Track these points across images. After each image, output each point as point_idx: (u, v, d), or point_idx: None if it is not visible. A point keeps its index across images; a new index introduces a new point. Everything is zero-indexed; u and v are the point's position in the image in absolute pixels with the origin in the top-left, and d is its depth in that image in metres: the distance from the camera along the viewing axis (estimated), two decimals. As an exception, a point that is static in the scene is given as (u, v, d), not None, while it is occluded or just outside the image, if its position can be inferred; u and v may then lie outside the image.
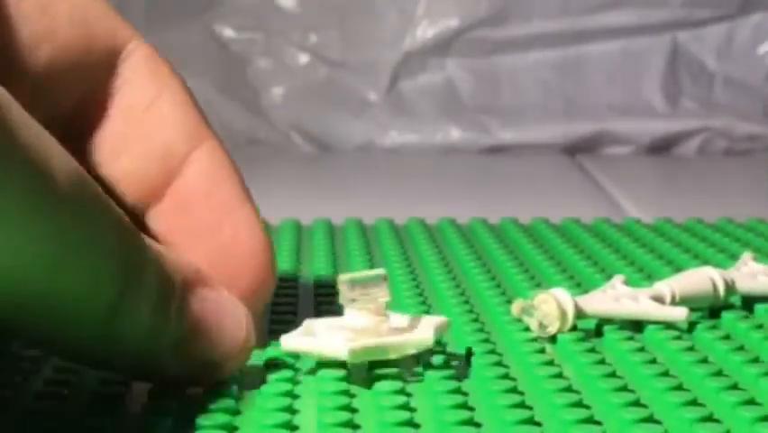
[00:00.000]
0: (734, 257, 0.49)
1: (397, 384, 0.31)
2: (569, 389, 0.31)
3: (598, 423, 0.29)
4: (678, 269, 0.46)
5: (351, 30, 1.03)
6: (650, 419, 0.29)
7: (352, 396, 0.31)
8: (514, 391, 0.31)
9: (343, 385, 0.31)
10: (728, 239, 0.55)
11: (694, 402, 0.30)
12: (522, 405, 0.30)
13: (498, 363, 0.34)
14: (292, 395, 0.31)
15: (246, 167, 1.00)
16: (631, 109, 1.01)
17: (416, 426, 0.29)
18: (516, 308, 0.38)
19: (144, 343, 0.28)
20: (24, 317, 0.25)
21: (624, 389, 0.31)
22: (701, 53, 1.02)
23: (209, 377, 0.30)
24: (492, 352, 0.35)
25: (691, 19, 1.02)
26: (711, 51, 1.02)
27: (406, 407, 0.30)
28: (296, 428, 0.29)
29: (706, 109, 1.01)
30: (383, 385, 0.31)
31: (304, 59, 1.03)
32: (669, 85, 1.02)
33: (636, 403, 0.30)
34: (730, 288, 0.41)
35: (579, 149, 1.00)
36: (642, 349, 0.35)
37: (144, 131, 0.33)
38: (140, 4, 1.02)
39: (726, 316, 0.40)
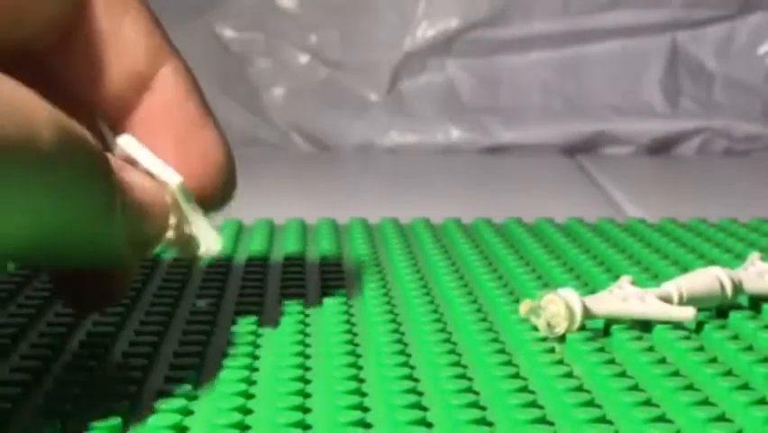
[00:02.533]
0: (739, 257, 0.50)
1: (409, 384, 0.31)
2: (580, 388, 0.31)
3: (610, 422, 0.29)
4: (684, 269, 0.47)
5: (351, 30, 1.03)
6: (662, 419, 0.29)
7: (364, 395, 0.31)
8: (525, 390, 0.31)
9: (355, 384, 0.31)
10: (733, 239, 0.55)
11: (706, 402, 0.30)
12: (533, 404, 0.30)
13: (509, 363, 0.34)
14: (304, 394, 0.31)
15: (246, 167, 1.00)
16: (631, 109, 1.01)
17: (429, 425, 0.29)
18: (523, 308, 0.38)
19: (111, 239, 0.30)
20: (24, 252, 0.28)
21: (635, 388, 0.31)
22: (701, 53, 1.03)
23: (144, 254, 0.33)
24: (502, 351, 0.35)
25: (691, 19, 1.02)
26: (711, 52, 1.02)
27: (418, 406, 0.30)
28: (309, 427, 0.29)
29: (705, 109, 1.01)
30: (395, 385, 0.31)
31: (304, 59, 1.03)
32: (669, 85, 1.02)
33: (648, 403, 0.30)
34: (738, 288, 0.41)
35: (578, 149, 1.00)
36: (651, 349, 0.35)
37: (112, 55, 0.35)
38: (140, 4, 1.02)
39: (734, 316, 0.40)
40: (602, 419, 0.29)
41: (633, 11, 1.02)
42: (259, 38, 1.03)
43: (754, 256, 0.43)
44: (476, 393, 0.31)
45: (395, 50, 1.03)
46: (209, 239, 0.34)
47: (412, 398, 0.30)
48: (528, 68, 1.03)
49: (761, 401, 0.30)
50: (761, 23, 1.02)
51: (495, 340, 0.36)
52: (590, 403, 0.30)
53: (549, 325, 0.37)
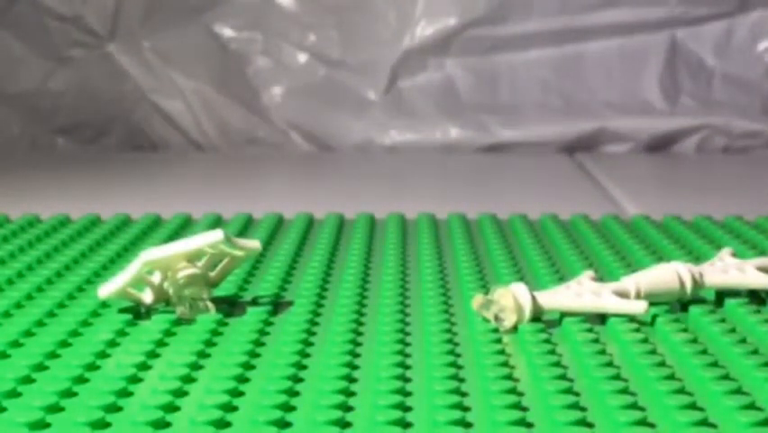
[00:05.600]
0: (740, 255, 0.50)
1: (453, 384, 0.31)
2: (625, 390, 0.31)
3: (652, 425, 0.29)
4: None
5: (350, 29, 1.03)
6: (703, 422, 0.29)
7: (407, 394, 0.31)
8: (569, 391, 0.31)
9: (399, 384, 0.31)
10: (733, 236, 0.55)
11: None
12: (576, 406, 0.30)
13: (557, 364, 0.34)
14: (347, 393, 0.31)
15: (245, 166, 1.00)
16: (630, 107, 1.02)
17: (468, 424, 0.29)
18: (476, 302, 0.39)
19: None
20: None
21: (681, 392, 0.32)
22: (700, 51, 1.03)
23: None
24: (552, 352, 0.35)
25: (690, 16, 1.02)
26: (710, 49, 1.02)
27: (459, 406, 0.30)
28: (349, 424, 0.29)
29: (704, 107, 1.01)
30: (438, 385, 0.31)
31: (303, 58, 1.03)
32: (667, 82, 1.02)
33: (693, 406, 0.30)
34: (698, 283, 0.42)
35: (578, 147, 1.01)
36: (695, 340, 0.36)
37: None
38: (140, 4, 1.02)
39: (693, 310, 0.40)
40: (643, 422, 0.29)
41: (631, 8, 1.02)
42: (258, 37, 1.03)
43: (725, 251, 0.44)
44: (520, 395, 0.31)
45: (394, 48, 1.02)
46: (252, 243, 0.42)
47: (454, 398, 0.30)
48: (527, 66, 1.03)
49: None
50: (760, 19, 1.02)
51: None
52: (634, 406, 0.30)
53: (497, 318, 0.38)
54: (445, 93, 1.03)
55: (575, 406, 0.30)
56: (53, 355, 0.35)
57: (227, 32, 1.03)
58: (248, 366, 0.34)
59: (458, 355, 0.35)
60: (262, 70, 1.03)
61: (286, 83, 1.03)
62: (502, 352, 0.35)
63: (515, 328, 0.38)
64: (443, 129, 1.02)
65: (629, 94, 1.02)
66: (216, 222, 0.60)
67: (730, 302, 0.41)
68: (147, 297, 0.41)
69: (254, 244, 0.42)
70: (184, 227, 0.59)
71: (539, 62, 1.03)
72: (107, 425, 0.29)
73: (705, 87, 1.02)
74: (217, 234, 0.40)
